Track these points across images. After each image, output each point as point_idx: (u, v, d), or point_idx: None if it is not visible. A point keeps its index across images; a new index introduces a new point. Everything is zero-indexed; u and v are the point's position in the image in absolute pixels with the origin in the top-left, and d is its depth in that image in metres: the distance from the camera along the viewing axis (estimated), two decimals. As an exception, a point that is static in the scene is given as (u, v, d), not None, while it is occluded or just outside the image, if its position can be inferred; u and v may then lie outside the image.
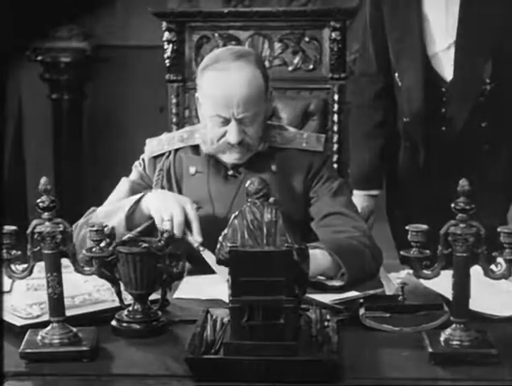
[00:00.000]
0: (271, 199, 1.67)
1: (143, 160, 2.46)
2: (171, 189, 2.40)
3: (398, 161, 2.98)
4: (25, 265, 1.73)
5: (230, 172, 2.38)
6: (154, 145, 2.46)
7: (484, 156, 2.81)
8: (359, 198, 2.97)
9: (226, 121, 2.27)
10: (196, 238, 2.18)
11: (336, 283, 2.09)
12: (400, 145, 2.96)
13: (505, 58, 2.74)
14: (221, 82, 2.26)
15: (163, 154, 2.44)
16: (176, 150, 2.44)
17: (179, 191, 2.40)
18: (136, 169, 2.46)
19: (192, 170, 2.40)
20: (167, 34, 3.18)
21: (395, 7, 2.82)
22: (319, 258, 2.10)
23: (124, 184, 2.43)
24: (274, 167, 2.38)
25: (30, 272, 1.73)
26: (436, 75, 2.79)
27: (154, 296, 1.91)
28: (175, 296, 2.06)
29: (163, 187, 2.40)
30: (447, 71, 2.77)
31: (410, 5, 2.78)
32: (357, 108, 3.00)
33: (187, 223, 2.17)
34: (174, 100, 3.20)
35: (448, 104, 2.79)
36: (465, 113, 2.76)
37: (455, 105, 2.78)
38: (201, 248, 2.17)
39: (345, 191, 2.43)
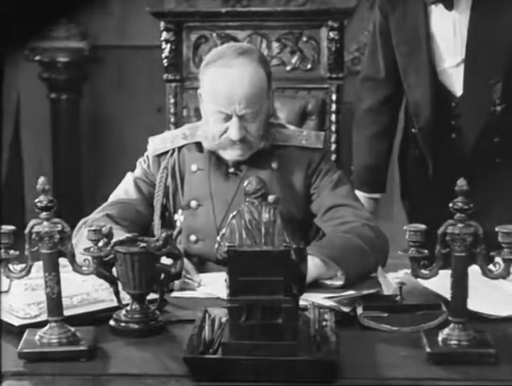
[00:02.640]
0: (271, 198, 1.67)
1: (147, 157, 2.46)
2: (176, 186, 2.41)
3: (406, 169, 2.98)
4: (23, 265, 1.73)
5: (231, 170, 2.39)
6: (156, 144, 2.46)
7: (495, 169, 2.79)
8: (360, 199, 2.97)
9: (228, 118, 2.28)
10: (195, 278, 2.16)
11: (336, 282, 2.10)
12: (408, 153, 2.96)
13: None
14: (224, 78, 2.26)
15: (166, 152, 2.44)
16: (180, 148, 2.44)
17: (183, 188, 2.41)
18: (140, 165, 2.46)
19: (194, 167, 2.40)
20: (164, 34, 3.18)
21: (402, 23, 2.78)
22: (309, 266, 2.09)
23: (129, 179, 2.44)
24: (274, 165, 2.38)
25: (29, 271, 1.73)
26: (445, 89, 2.77)
27: (152, 295, 1.91)
28: (172, 295, 2.06)
29: (167, 185, 2.41)
30: (456, 86, 2.75)
31: (417, 23, 2.75)
32: (361, 111, 2.97)
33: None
34: (172, 100, 3.20)
35: (458, 117, 2.77)
36: (476, 131, 2.74)
37: (465, 121, 2.75)
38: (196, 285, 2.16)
39: (345, 182, 2.43)
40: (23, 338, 1.74)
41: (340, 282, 2.09)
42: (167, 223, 2.40)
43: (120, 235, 1.96)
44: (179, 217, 2.40)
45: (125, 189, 2.43)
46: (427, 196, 2.89)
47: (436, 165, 2.84)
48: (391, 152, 3.01)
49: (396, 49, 2.82)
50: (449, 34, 2.72)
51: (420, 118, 2.81)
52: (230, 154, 2.34)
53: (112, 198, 2.42)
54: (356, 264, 2.13)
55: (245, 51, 2.31)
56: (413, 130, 2.87)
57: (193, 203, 2.38)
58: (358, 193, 2.93)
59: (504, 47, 2.69)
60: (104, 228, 1.82)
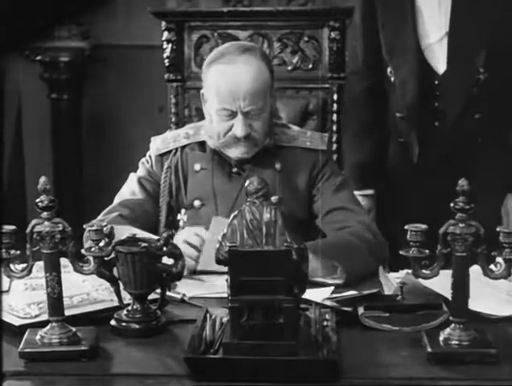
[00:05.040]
0: (274, 198, 1.66)
1: (150, 157, 2.47)
2: (178, 186, 2.41)
3: (388, 160, 2.98)
4: (24, 265, 1.73)
5: (234, 169, 2.39)
6: (159, 143, 2.47)
7: (477, 149, 2.80)
8: None
9: (232, 115, 2.28)
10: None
11: (338, 281, 2.10)
12: (390, 143, 2.96)
13: (499, 48, 2.73)
14: (228, 75, 2.27)
15: (169, 152, 2.45)
16: (183, 147, 2.45)
17: (187, 188, 2.40)
18: (143, 166, 2.47)
19: (197, 166, 2.41)
20: (166, 34, 3.17)
21: (389, 1, 2.83)
22: None
23: (133, 180, 2.44)
24: (278, 165, 2.39)
25: (30, 271, 1.73)
26: (429, 68, 2.79)
27: (153, 295, 1.91)
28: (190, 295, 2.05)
29: (171, 183, 2.41)
30: (440, 63, 2.77)
31: None
32: (348, 106, 3.00)
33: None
34: (173, 100, 3.19)
35: (440, 98, 2.79)
36: (459, 105, 2.76)
37: (448, 98, 2.77)
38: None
39: (348, 186, 2.45)
40: (24, 338, 1.74)
41: (341, 280, 2.09)
42: (173, 222, 2.41)
43: (140, 233, 1.99)
44: (182, 217, 2.40)
45: (131, 189, 2.43)
46: (411, 187, 2.90)
47: (421, 149, 2.84)
48: (381, 146, 3.00)
49: (382, 31, 2.85)
50: (434, 6, 2.75)
51: (407, 98, 2.82)
52: (235, 152, 2.34)
53: (118, 199, 2.42)
54: (355, 263, 2.14)
55: (248, 49, 2.33)
56: (397, 114, 2.88)
57: (196, 203, 2.39)
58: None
59: (488, 16, 2.71)
60: (105, 228, 1.82)
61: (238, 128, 2.28)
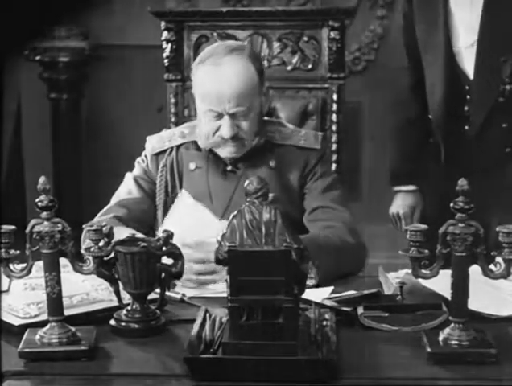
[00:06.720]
0: (270, 196, 1.66)
1: (146, 156, 2.47)
2: (174, 185, 2.41)
3: (423, 158, 2.98)
4: (23, 265, 1.73)
5: (229, 168, 2.39)
6: (154, 142, 2.47)
7: (505, 159, 2.80)
8: (400, 196, 2.98)
9: (219, 116, 2.28)
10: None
11: (310, 282, 2.06)
12: (427, 141, 2.97)
13: None
14: (213, 77, 2.27)
15: (164, 151, 2.45)
16: (178, 146, 2.45)
17: (182, 186, 2.41)
18: (139, 165, 2.47)
19: (192, 165, 2.41)
20: (165, 34, 3.18)
21: (424, 1, 2.83)
22: None
23: (129, 179, 2.44)
24: (272, 163, 2.39)
25: (29, 271, 1.73)
26: (461, 72, 2.79)
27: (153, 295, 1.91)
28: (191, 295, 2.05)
29: (166, 182, 2.41)
30: (470, 68, 2.77)
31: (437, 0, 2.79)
32: (393, 102, 3.02)
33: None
34: (173, 100, 3.20)
35: (470, 103, 2.79)
36: (484, 113, 2.76)
37: (475, 104, 2.77)
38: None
39: (337, 187, 2.43)
40: (24, 338, 1.74)
41: (315, 281, 2.08)
42: None
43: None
44: (178, 216, 2.40)
45: (128, 189, 2.43)
46: (440, 185, 2.90)
47: (448, 152, 2.85)
48: (424, 142, 2.99)
49: (417, 29, 2.86)
50: (465, 11, 2.76)
51: (435, 100, 2.83)
52: (224, 152, 2.35)
53: (115, 199, 2.42)
54: (330, 263, 2.13)
55: (235, 49, 2.32)
56: (429, 116, 2.88)
57: (192, 202, 2.39)
58: (397, 188, 2.97)
59: None
60: (104, 228, 1.82)
61: (225, 129, 2.28)
